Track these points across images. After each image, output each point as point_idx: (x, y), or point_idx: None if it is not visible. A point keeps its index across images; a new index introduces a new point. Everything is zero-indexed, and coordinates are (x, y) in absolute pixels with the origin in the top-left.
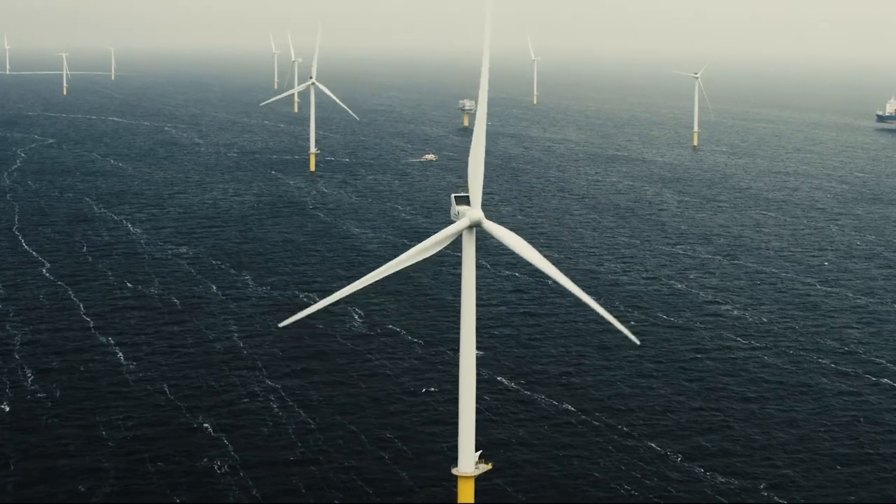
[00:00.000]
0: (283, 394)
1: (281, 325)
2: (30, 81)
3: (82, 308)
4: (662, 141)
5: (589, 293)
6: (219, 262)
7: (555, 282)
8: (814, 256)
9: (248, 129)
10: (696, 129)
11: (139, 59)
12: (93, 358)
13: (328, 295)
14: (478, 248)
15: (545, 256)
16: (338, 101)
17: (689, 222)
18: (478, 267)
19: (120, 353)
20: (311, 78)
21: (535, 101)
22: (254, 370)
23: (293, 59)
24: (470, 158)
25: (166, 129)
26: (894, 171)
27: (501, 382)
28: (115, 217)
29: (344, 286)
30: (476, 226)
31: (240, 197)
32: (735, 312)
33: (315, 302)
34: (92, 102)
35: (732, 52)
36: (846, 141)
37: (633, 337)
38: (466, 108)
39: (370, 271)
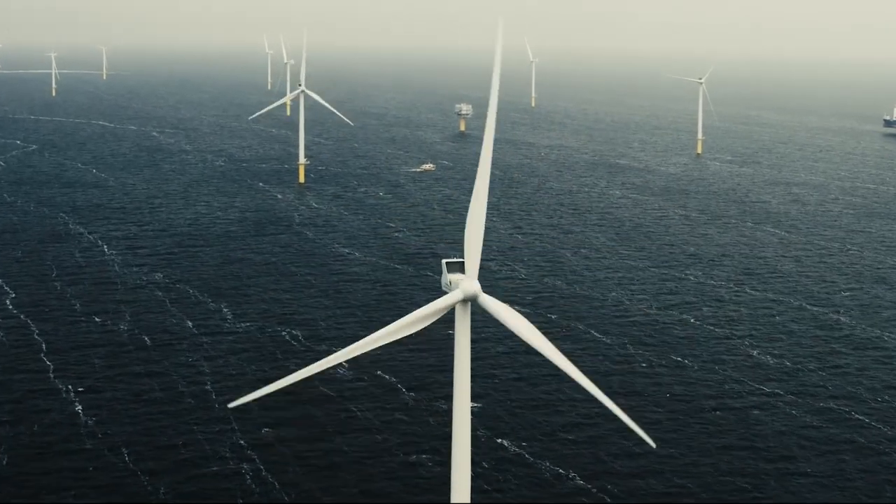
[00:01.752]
0: (255, 458)
1: (231, 405)
2: (20, 80)
3: (44, 347)
4: (664, 147)
5: (594, 327)
6: (195, 292)
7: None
8: (831, 284)
9: (238, 133)
10: (700, 136)
11: (134, 57)
12: (49, 408)
13: (306, 348)
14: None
15: (546, 284)
16: (329, 107)
17: (697, 242)
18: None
19: (79, 406)
20: (300, 85)
21: (533, 104)
22: (225, 425)
23: (285, 60)
24: (468, 219)
25: (153, 134)
26: None
27: (502, 448)
28: (90, 236)
29: (326, 332)
30: (471, 300)
31: (223, 212)
32: (755, 354)
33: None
34: (80, 104)
35: (736, 55)
36: (853, 148)
37: (648, 439)
38: (463, 112)
39: (356, 302)
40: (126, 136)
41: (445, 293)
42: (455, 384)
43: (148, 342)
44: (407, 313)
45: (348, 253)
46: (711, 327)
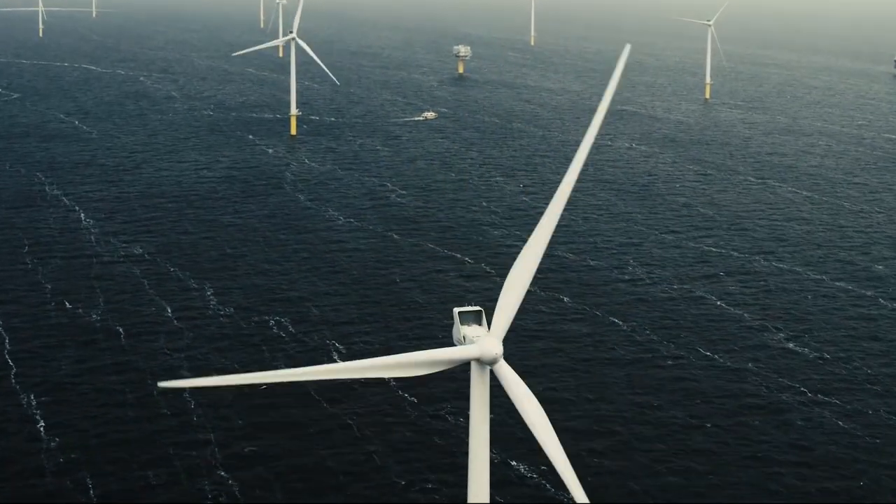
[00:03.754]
0: (236, 491)
1: (161, 385)
2: (5, 19)
3: (7, 343)
4: (671, 92)
5: (610, 310)
6: (176, 269)
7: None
8: (863, 254)
9: (229, 77)
10: (708, 80)
11: None
12: (6, 425)
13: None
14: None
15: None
16: (319, 62)
17: (713, 204)
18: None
19: (41, 421)
20: (291, 32)
21: (532, 42)
22: (204, 447)
23: (277, 0)
24: (515, 267)
25: (141, 78)
26: None
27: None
28: (67, 200)
29: (317, 319)
30: (489, 364)
31: (209, 170)
32: (790, 346)
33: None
34: (66, 46)
35: None
36: (866, 92)
37: None
38: (461, 54)
39: (349, 281)
40: (112, 81)
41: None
42: (471, 454)
43: (121, 333)
44: (403, 296)
45: (342, 220)
46: (739, 311)
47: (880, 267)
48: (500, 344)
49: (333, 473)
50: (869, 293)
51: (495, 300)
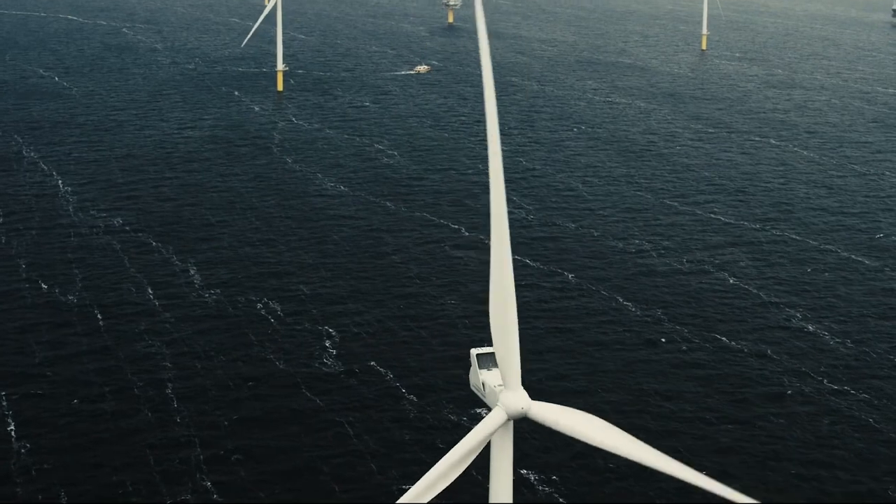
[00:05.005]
0: (218, 496)
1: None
2: None
3: None
4: (666, 42)
5: (618, 289)
6: (159, 243)
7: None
8: (873, 222)
9: (213, 28)
10: (704, 31)
11: None
12: None
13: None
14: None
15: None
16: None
17: (716, 166)
18: None
19: (11, 422)
20: None
21: None
22: (187, 448)
23: None
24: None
25: (123, 30)
26: None
27: None
28: (45, 165)
29: (309, 303)
30: (519, 418)
31: (193, 129)
32: (811, 328)
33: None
34: None
35: None
36: (863, 42)
37: None
38: (451, 3)
39: (342, 257)
40: (94, 33)
41: (476, 392)
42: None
43: (100, 319)
44: (396, 269)
45: (331, 185)
46: (754, 289)
47: (881, 237)
48: (524, 393)
49: (324, 475)
50: (876, 264)
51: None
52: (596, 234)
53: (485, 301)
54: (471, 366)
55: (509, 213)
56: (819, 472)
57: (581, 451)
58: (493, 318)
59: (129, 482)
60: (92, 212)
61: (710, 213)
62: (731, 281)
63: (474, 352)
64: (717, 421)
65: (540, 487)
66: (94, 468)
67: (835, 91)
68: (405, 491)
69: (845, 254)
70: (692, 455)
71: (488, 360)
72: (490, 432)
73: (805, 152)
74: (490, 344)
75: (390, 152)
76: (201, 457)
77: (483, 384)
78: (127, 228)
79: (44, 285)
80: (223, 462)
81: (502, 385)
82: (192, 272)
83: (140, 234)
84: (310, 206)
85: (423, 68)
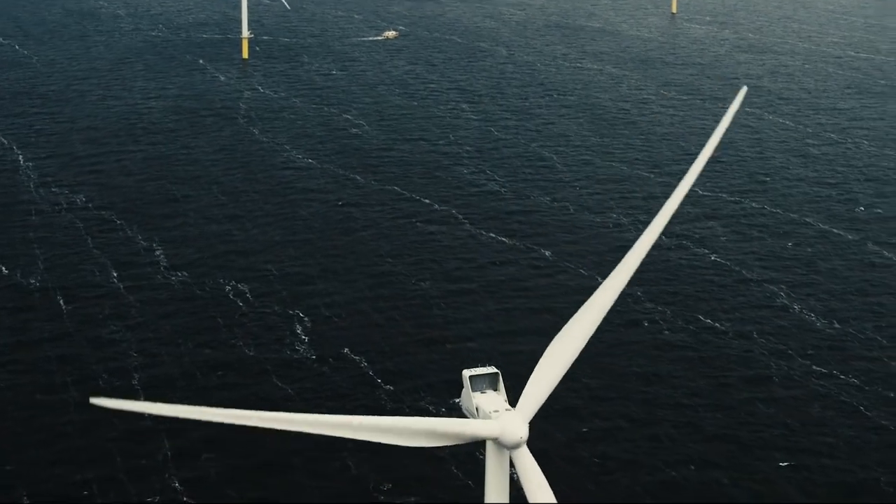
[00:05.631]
0: (188, 498)
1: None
2: None
3: None
4: (636, 6)
5: (598, 268)
6: (123, 222)
7: None
8: (850, 194)
9: None
10: None
11: None
12: None
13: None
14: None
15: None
16: None
17: (689, 136)
18: None
19: None
20: None
21: None
22: (154, 442)
23: None
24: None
25: None
26: None
27: None
28: (4, 139)
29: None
30: (510, 448)
31: (157, 99)
32: (795, 307)
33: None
34: None
35: None
36: (834, 5)
37: None
38: None
39: (312, 235)
40: None
41: (468, 415)
42: None
43: (62, 305)
44: (367, 246)
45: (300, 158)
46: (735, 265)
47: (862, 209)
48: (526, 426)
49: (295, 470)
50: (856, 238)
51: (466, 252)
52: (572, 208)
53: (459, 279)
54: (462, 388)
55: (482, 184)
56: (807, 460)
57: (566, 442)
58: (555, 347)
59: (93, 480)
60: (54, 188)
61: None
62: (713, 258)
63: (467, 373)
64: (701, 408)
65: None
66: (55, 465)
67: (807, 56)
68: (382, 488)
69: (825, 226)
70: (674, 443)
71: (482, 382)
72: (476, 436)
73: (779, 119)
74: (473, 356)
75: (358, 122)
76: (169, 453)
77: (477, 409)
78: (90, 206)
79: (3, 268)
80: (191, 457)
81: (498, 411)
82: (157, 252)
83: (103, 212)
84: (277, 179)
85: (391, 34)
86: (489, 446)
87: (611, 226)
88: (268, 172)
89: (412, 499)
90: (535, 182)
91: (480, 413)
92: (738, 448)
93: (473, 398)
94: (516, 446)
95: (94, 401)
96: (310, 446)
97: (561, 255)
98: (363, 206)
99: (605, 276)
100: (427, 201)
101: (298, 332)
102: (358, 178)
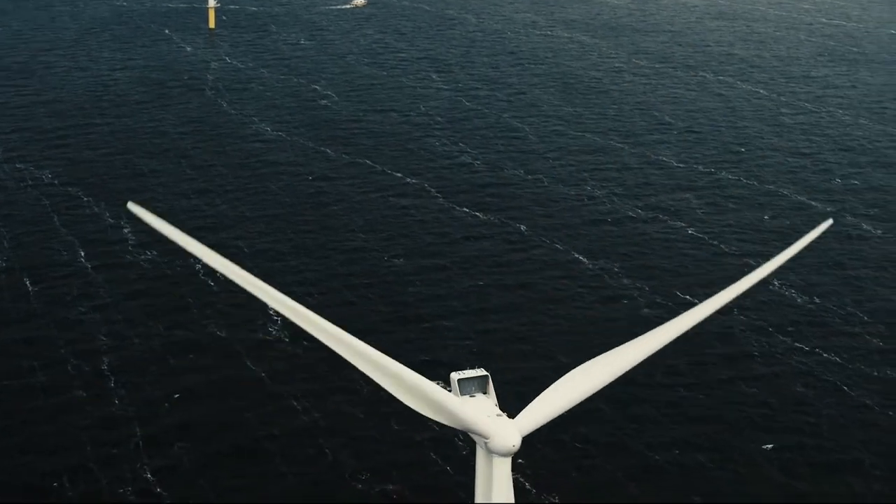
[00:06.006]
0: (160, 486)
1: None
2: None
3: None
4: None
5: (573, 243)
6: (90, 198)
7: None
8: (825, 166)
9: None
10: None
11: None
12: None
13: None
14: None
15: None
16: None
17: (663, 106)
18: None
19: None
20: None
21: None
22: (124, 428)
23: None
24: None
25: None
26: (878, 20)
27: None
28: None
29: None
30: (499, 454)
31: (123, 70)
32: (775, 283)
33: None
34: None
35: None
36: None
37: None
38: None
39: (280, 204)
40: None
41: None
42: None
43: (28, 286)
44: (338, 221)
45: (269, 131)
46: (712, 239)
47: (838, 181)
48: (519, 438)
49: (271, 455)
50: (832, 209)
51: (439, 227)
52: (545, 180)
53: (433, 255)
54: (452, 389)
55: (454, 157)
56: (790, 440)
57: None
58: (575, 379)
59: (63, 470)
60: (18, 164)
61: (661, 155)
62: (689, 231)
63: (455, 376)
64: (682, 387)
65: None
66: (23, 454)
67: (778, 23)
68: (359, 473)
69: (801, 198)
70: (656, 425)
71: (471, 386)
72: (468, 426)
73: (752, 88)
74: (449, 334)
75: (327, 93)
76: (140, 442)
77: (476, 426)
78: (56, 182)
79: None
80: (163, 444)
81: (490, 416)
82: (125, 229)
83: (70, 188)
84: (246, 152)
85: (359, 2)
86: (479, 451)
87: (585, 199)
88: (236, 145)
89: (390, 486)
90: (507, 154)
91: (475, 425)
92: (721, 429)
93: (471, 409)
94: (505, 454)
95: (131, 206)
96: (285, 432)
97: (535, 229)
98: (334, 180)
99: (580, 252)
100: (399, 175)
101: (270, 312)
102: (328, 150)
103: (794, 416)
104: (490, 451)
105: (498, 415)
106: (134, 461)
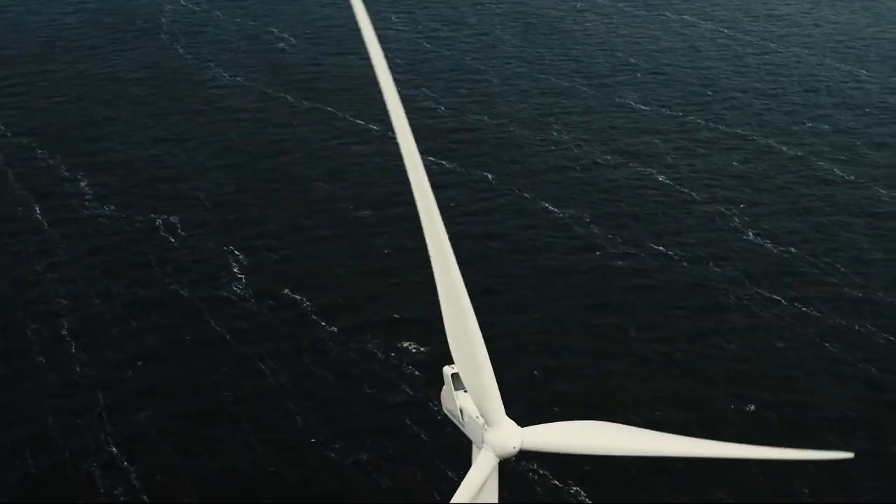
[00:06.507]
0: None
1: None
2: None
3: None
4: None
5: (544, 193)
6: (44, 150)
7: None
8: (790, 109)
9: None
10: None
11: None
12: None
13: None
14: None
15: None
16: None
17: (628, 46)
18: None
19: None
20: None
21: None
22: (87, 393)
23: None
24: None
25: None
26: None
27: None
28: None
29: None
30: (496, 454)
31: (76, 14)
32: (750, 233)
33: None
34: None
35: None
36: None
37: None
38: None
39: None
40: None
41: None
42: None
43: None
44: (303, 174)
45: (227, 77)
46: (683, 186)
47: (807, 124)
48: (513, 426)
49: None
50: (800, 153)
51: (403, 175)
52: (511, 126)
53: (399, 205)
54: (443, 385)
55: (416, 101)
56: (767, 395)
57: (516, 383)
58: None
59: (24, 440)
60: None
61: (626, 98)
62: (659, 178)
63: (448, 370)
64: (655, 341)
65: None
66: None
67: None
68: (334, 446)
69: (769, 141)
70: (628, 380)
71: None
72: (485, 476)
73: (715, 27)
74: (418, 290)
75: (284, 35)
76: (104, 412)
77: (462, 411)
78: (8, 134)
79: None
80: (127, 411)
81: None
82: (81, 182)
83: (23, 139)
84: (203, 99)
85: None
86: (474, 449)
87: (551, 144)
88: (193, 92)
89: (364, 455)
90: (471, 97)
91: (465, 416)
92: (696, 384)
93: (457, 398)
94: (500, 455)
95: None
96: (252, 395)
97: (502, 177)
98: (294, 127)
99: (548, 200)
100: (361, 122)
101: (234, 268)
102: (288, 96)
103: (772, 372)
104: (484, 446)
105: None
106: (97, 431)
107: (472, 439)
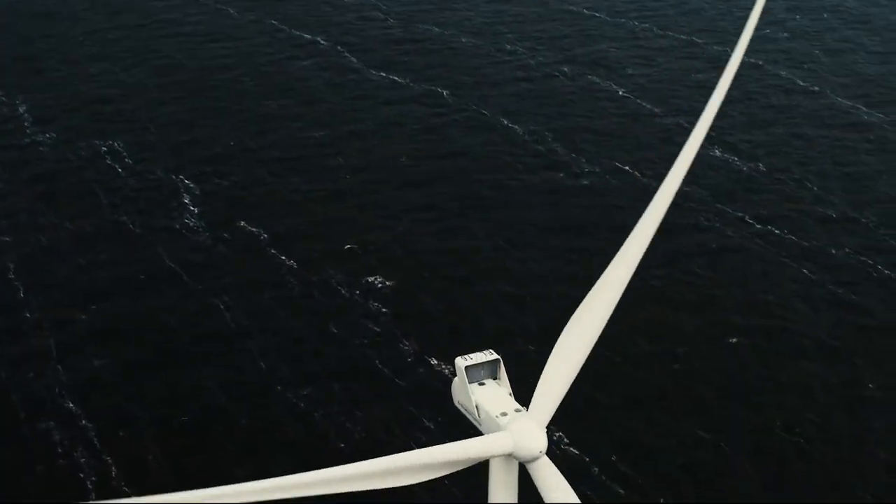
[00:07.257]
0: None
1: None
2: None
3: None
4: None
5: (490, 105)
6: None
7: None
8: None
9: None
10: None
11: None
12: None
13: None
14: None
15: None
16: None
17: None
18: None
19: None
20: None
21: None
22: (38, 338)
23: None
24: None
25: None
26: None
27: None
28: None
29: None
30: (526, 461)
31: None
32: (717, 150)
33: None
34: None
35: None
36: None
37: None
38: None
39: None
40: None
41: (461, 410)
42: None
43: None
44: (247, 85)
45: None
46: (639, 98)
47: (765, 30)
48: (545, 435)
49: (197, 363)
50: (752, 59)
51: (356, 90)
52: (462, 36)
53: (352, 122)
54: (455, 377)
55: (363, 11)
56: (746, 323)
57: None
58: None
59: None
60: None
61: (581, 6)
62: (620, 92)
63: (462, 363)
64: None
65: None
66: None
67: None
68: (297, 385)
69: (724, 48)
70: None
71: (480, 371)
72: (486, 455)
73: None
74: (378, 214)
75: None
76: (59, 367)
77: (478, 407)
78: None
79: None
80: (80, 356)
81: (507, 413)
82: (20, 107)
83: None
84: (143, 12)
85: None
86: (494, 466)
87: (506, 55)
88: (130, 4)
89: (333, 402)
90: (418, 5)
91: (482, 413)
92: (679, 313)
93: (472, 393)
94: (533, 460)
95: None
96: (210, 335)
97: (456, 90)
98: (238, 40)
99: (506, 116)
100: (308, 35)
101: (185, 197)
102: (229, 8)
103: (751, 298)
104: (523, 459)
105: (516, 409)
106: (52, 384)
107: (486, 433)
